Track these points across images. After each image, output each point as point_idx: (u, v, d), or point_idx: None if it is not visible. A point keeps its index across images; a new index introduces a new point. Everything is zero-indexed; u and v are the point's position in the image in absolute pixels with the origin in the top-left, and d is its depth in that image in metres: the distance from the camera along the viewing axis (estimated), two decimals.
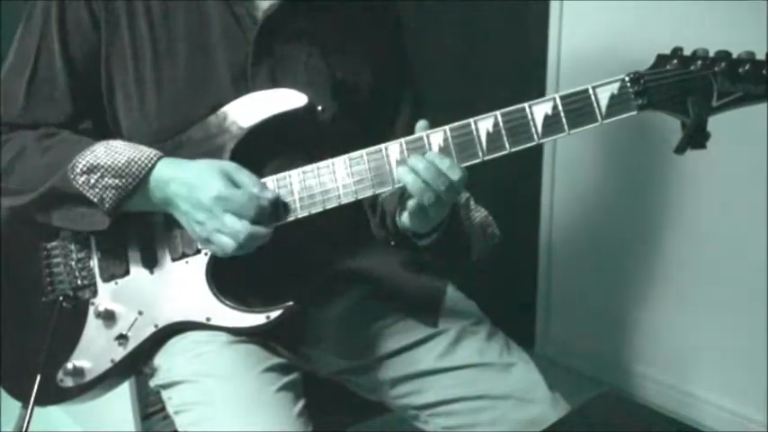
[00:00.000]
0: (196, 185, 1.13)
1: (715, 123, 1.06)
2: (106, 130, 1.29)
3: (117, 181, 1.15)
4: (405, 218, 1.17)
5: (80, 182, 1.16)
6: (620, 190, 2.32)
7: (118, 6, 1.21)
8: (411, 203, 1.12)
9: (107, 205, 1.16)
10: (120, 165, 1.15)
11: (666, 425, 1.21)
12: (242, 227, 1.11)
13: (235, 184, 1.13)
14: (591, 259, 2.46)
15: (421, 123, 1.13)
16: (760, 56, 1.05)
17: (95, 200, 1.16)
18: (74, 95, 1.25)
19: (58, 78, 1.23)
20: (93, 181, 1.15)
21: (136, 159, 1.15)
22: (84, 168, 1.15)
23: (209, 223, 1.12)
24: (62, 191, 1.18)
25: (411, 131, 1.14)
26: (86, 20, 1.22)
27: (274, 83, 1.22)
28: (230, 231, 1.11)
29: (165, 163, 1.16)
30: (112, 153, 1.16)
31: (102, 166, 1.15)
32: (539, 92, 2.33)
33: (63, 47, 1.22)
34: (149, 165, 1.15)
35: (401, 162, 1.12)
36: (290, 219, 1.17)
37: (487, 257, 1.38)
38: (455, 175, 1.09)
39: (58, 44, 1.22)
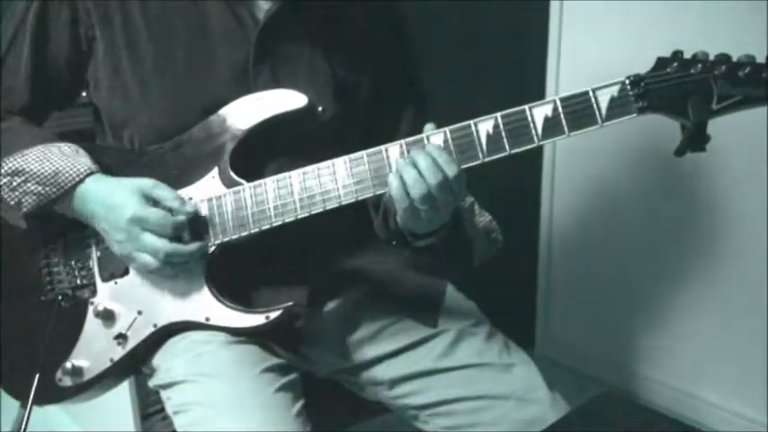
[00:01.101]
0: (112, 206, 1.16)
1: (715, 126, 1.06)
2: (105, 130, 1.29)
3: (39, 188, 1.17)
4: (398, 216, 1.17)
5: (2, 182, 1.18)
6: (621, 190, 2.32)
7: (110, 7, 1.22)
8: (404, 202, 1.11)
9: (24, 209, 1.18)
10: (46, 173, 1.17)
11: (667, 425, 1.21)
12: (161, 245, 1.14)
13: (154, 201, 1.16)
14: (591, 260, 2.46)
15: (428, 127, 1.13)
16: (760, 59, 1.05)
17: (12, 203, 1.18)
18: (33, 88, 1.26)
19: (22, 69, 1.25)
20: (15, 184, 1.18)
21: (64, 171, 1.17)
22: (10, 170, 1.18)
23: (128, 244, 1.15)
24: None
25: (414, 133, 1.14)
26: (65, 21, 1.23)
27: (276, 83, 1.22)
28: (150, 250, 1.14)
29: (92, 180, 1.18)
30: (43, 160, 1.18)
31: (27, 172, 1.17)
32: (538, 92, 2.33)
33: (34, 40, 1.24)
34: (76, 179, 1.17)
35: (401, 161, 1.12)
36: (288, 219, 1.17)
37: (488, 261, 1.38)
38: (451, 171, 1.08)
39: (30, 38, 1.24)
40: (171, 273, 1.18)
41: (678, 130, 1.09)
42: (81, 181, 1.18)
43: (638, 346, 2.40)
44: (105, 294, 1.25)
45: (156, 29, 1.22)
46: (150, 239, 1.14)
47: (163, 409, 1.46)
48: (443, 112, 1.17)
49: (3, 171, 1.18)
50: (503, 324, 1.38)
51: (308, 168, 1.17)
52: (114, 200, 1.16)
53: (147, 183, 1.17)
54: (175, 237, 1.15)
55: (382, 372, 1.33)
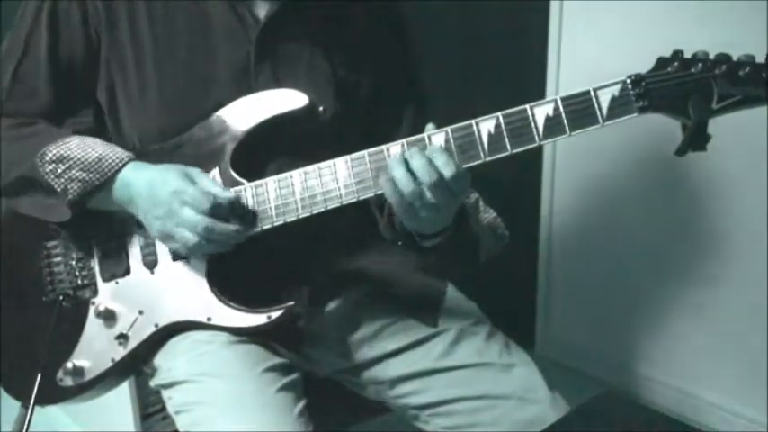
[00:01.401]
0: (155, 183, 1.15)
1: (715, 125, 1.06)
2: (106, 130, 1.29)
3: (84, 174, 1.17)
4: (396, 215, 1.16)
5: (47, 170, 1.18)
6: (621, 190, 2.32)
7: (118, 6, 1.22)
8: (397, 202, 1.10)
9: (70, 197, 1.18)
10: (90, 160, 1.17)
11: (667, 425, 1.21)
12: (200, 219, 1.13)
13: (193, 181, 1.15)
14: (591, 259, 2.46)
15: (429, 127, 1.13)
16: (760, 59, 1.05)
17: (59, 189, 1.17)
18: (55, 91, 1.26)
19: (41, 73, 1.25)
20: (60, 171, 1.17)
21: (106, 157, 1.18)
22: (54, 158, 1.18)
23: (168, 219, 1.14)
24: (31, 179, 1.19)
25: (414, 133, 1.14)
26: (76, 20, 1.23)
27: (276, 83, 1.22)
28: (189, 224, 1.13)
29: (133, 165, 1.19)
30: (85, 147, 1.18)
31: (72, 158, 1.17)
32: (538, 92, 2.33)
33: (51, 42, 1.24)
34: (119, 164, 1.18)
35: (392, 160, 1.11)
36: (289, 219, 1.17)
37: (488, 261, 1.38)
38: (449, 171, 1.07)
39: (46, 39, 1.24)
40: (209, 249, 1.16)
41: (678, 129, 1.10)
42: (123, 166, 1.18)
43: (638, 346, 2.40)
44: (106, 294, 1.25)
45: (158, 28, 1.22)
46: (189, 213, 1.13)
47: (163, 409, 1.46)
48: (443, 111, 1.17)
49: (47, 158, 1.17)
50: (503, 324, 1.39)
51: (310, 168, 1.17)
52: (158, 177, 1.16)
53: (194, 169, 1.18)
54: (213, 214, 1.14)
55: (383, 371, 1.34)
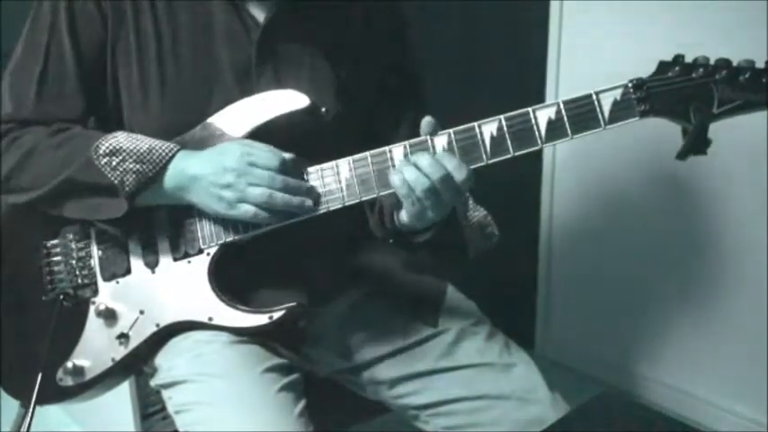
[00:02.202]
0: (219, 155, 1.15)
1: (716, 129, 1.07)
2: (110, 128, 1.29)
3: (138, 166, 1.16)
4: (403, 216, 1.17)
5: (102, 163, 1.16)
6: (621, 191, 2.32)
7: (124, 4, 1.21)
8: (410, 202, 1.12)
9: (127, 188, 1.16)
10: (142, 150, 1.16)
11: (666, 425, 1.22)
12: (273, 175, 1.13)
13: (255, 146, 1.16)
14: (591, 259, 2.46)
15: (426, 119, 1.13)
16: (760, 63, 1.05)
17: (116, 182, 1.16)
18: (85, 91, 1.25)
19: (69, 74, 1.23)
20: (114, 163, 1.16)
21: (157, 148, 1.16)
22: (107, 150, 1.16)
23: (239, 181, 1.13)
24: (79, 180, 1.18)
25: (415, 133, 1.14)
26: (95, 16, 1.22)
27: (278, 84, 1.22)
28: (263, 180, 1.13)
29: (182, 154, 1.18)
30: (134, 140, 1.17)
31: (125, 150, 1.16)
32: (538, 92, 2.33)
33: (73, 43, 1.22)
34: (170, 153, 1.17)
35: (404, 161, 1.12)
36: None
37: (486, 257, 1.38)
38: (461, 175, 1.09)
39: (69, 40, 1.22)
40: (280, 209, 1.15)
41: (678, 131, 1.10)
42: (174, 156, 1.17)
43: (638, 346, 2.40)
44: (107, 294, 1.25)
45: (162, 28, 1.22)
46: (260, 171, 1.13)
47: (163, 409, 1.46)
48: (443, 112, 1.17)
49: (101, 151, 1.16)
50: (503, 324, 1.39)
51: (312, 169, 1.17)
52: (216, 152, 1.16)
53: (245, 139, 1.18)
54: (282, 171, 1.14)
55: (383, 371, 1.34)
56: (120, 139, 1.17)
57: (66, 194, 1.20)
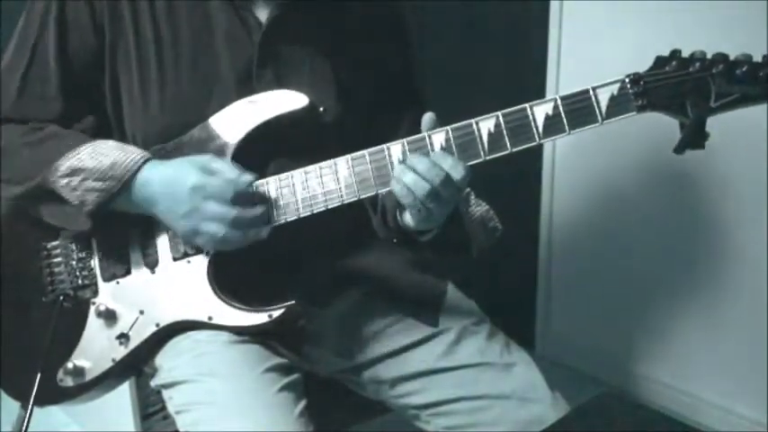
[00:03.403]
0: (173, 181, 1.15)
1: (714, 124, 1.06)
2: (109, 130, 1.29)
3: (100, 184, 1.16)
4: (408, 219, 1.17)
5: (61, 184, 1.16)
6: (621, 189, 2.32)
7: (122, 6, 1.21)
8: (415, 210, 1.12)
9: (88, 208, 1.16)
10: (104, 167, 1.16)
11: (666, 425, 1.21)
12: (226, 210, 1.13)
13: (211, 172, 1.15)
14: (591, 259, 2.46)
15: (428, 115, 1.13)
16: (757, 58, 1.05)
17: (75, 203, 1.16)
18: (66, 95, 1.24)
19: (51, 76, 1.23)
20: (74, 184, 1.16)
21: (120, 162, 1.16)
22: (67, 171, 1.16)
23: (193, 215, 1.14)
24: (48, 188, 1.18)
25: (415, 132, 1.14)
26: (86, 20, 1.22)
27: (279, 84, 1.22)
28: (216, 217, 1.13)
29: (149, 166, 1.17)
30: (97, 155, 1.17)
31: (86, 169, 1.16)
32: (538, 92, 2.34)
33: (59, 45, 1.22)
34: (134, 168, 1.16)
35: (401, 162, 1.12)
36: (290, 218, 1.18)
37: (486, 256, 1.38)
38: (458, 173, 1.09)
39: (54, 42, 1.22)
40: (237, 240, 1.15)
41: (677, 128, 1.10)
42: (139, 169, 1.16)
43: (638, 346, 2.40)
44: (107, 294, 1.25)
45: (161, 28, 1.22)
46: (214, 206, 1.13)
47: (163, 409, 1.46)
48: (444, 112, 1.17)
49: (60, 173, 1.16)
50: (503, 324, 1.39)
51: (310, 168, 1.17)
52: (175, 175, 1.15)
53: (203, 156, 1.17)
54: (237, 203, 1.14)
55: (383, 371, 1.34)
56: (83, 156, 1.16)
57: (39, 198, 1.21)
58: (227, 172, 1.15)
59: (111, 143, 1.19)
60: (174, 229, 1.19)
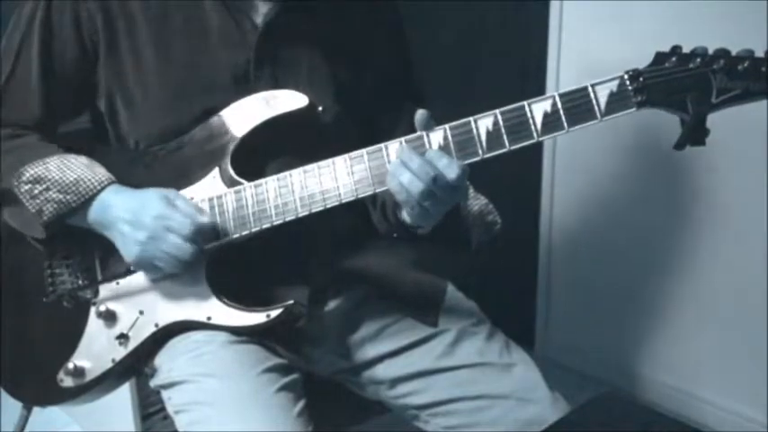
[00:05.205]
0: (136, 208, 1.16)
1: (715, 121, 1.06)
2: (105, 133, 1.29)
3: (60, 196, 1.17)
4: (405, 216, 1.17)
5: (23, 190, 1.18)
6: (621, 189, 2.32)
7: (114, 9, 1.21)
8: (410, 206, 1.12)
9: (44, 218, 1.18)
10: (68, 181, 1.17)
11: (667, 425, 1.21)
12: (188, 247, 1.14)
13: (174, 206, 1.16)
14: (591, 259, 2.46)
15: (421, 112, 1.13)
16: (759, 53, 1.05)
17: (33, 210, 1.18)
18: (46, 100, 1.25)
19: (33, 81, 1.24)
20: (36, 191, 1.17)
21: (85, 180, 1.17)
22: (30, 178, 1.17)
23: (151, 244, 1.15)
24: (11, 192, 1.19)
25: (413, 131, 1.14)
26: (70, 26, 1.22)
27: (276, 84, 1.23)
28: (175, 249, 1.14)
29: (113, 188, 1.19)
30: (64, 168, 1.18)
31: (49, 179, 1.17)
32: (538, 92, 2.33)
33: (42, 51, 1.23)
34: (98, 188, 1.18)
35: (397, 163, 1.12)
36: (289, 218, 1.18)
37: (486, 256, 1.38)
38: (453, 173, 1.09)
39: (38, 47, 1.23)
40: (176, 271, 1.18)
41: (678, 125, 1.10)
42: (102, 189, 1.18)
43: (638, 346, 2.40)
44: (107, 295, 1.25)
45: (156, 30, 1.22)
46: (175, 240, 1.14)
47: (163, 409, 1.46)
48: (443, 111, 1.18)
49: (24, 179, 1.17)
50: (503, 324, 1.39)
51: (309, 167, 1.17)
52: (139, 201, 1.17)
53: (171, 191, 1.19)
54: (194, 240, 1.15)
55: (383, 371, 1.33)
56: (50, 166, 1.18)
57: (6, 202, 1.22)
58: (187, 208, 1.16)
59: (82, 159, 1.21)
60: (125, 253, 1.19)
